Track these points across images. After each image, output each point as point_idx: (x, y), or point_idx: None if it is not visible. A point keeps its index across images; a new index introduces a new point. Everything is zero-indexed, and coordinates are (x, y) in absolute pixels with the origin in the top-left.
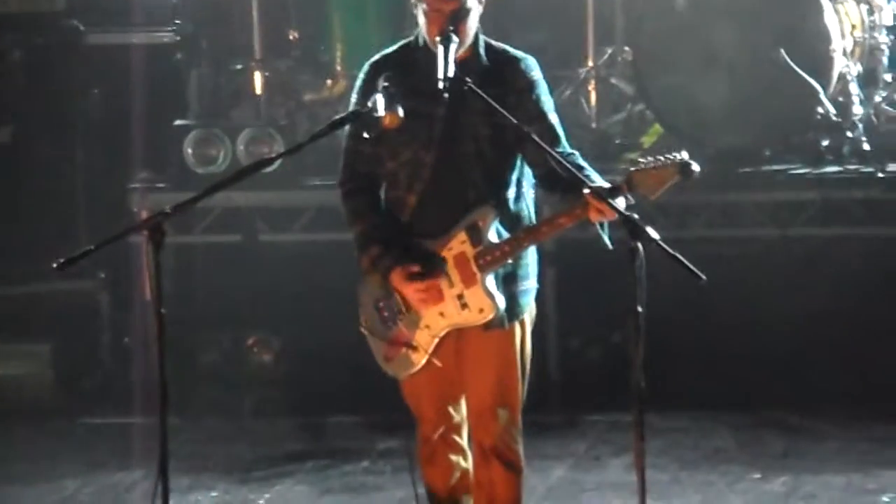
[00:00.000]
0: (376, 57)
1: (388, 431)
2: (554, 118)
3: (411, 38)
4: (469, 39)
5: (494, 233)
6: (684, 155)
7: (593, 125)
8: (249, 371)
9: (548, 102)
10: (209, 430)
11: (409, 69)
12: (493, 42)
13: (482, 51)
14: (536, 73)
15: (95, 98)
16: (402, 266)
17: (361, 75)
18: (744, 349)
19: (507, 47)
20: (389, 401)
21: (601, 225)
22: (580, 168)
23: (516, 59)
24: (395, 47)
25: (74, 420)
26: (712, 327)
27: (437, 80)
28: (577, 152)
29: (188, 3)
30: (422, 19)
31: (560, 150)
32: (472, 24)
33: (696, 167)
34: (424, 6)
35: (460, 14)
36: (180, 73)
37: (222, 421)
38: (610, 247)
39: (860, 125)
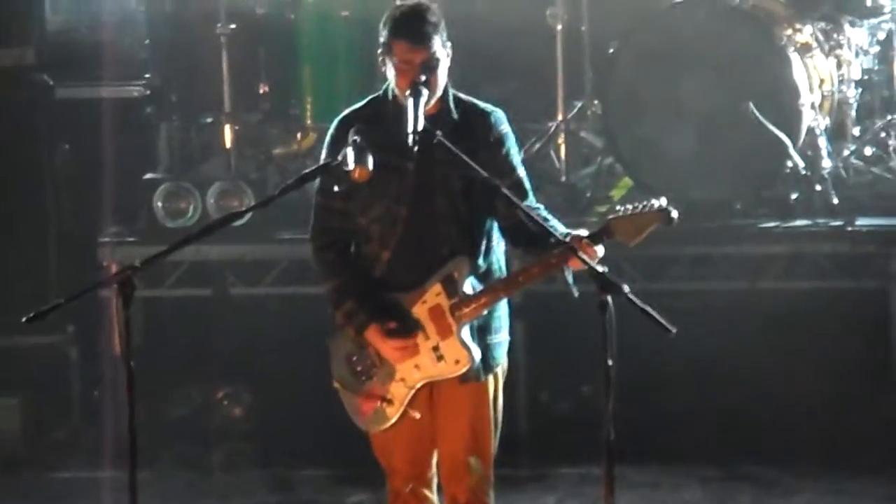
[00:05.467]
0: (346, 112)
1: (359, 485)
2: (522, 172)
3: (379, 92)
4: (439, 91)
5: (469, 284)
6: (663, 201)
7: (563, 178)
8: (220, 424)
9: (516, 156)
10: (179, 483)
11: (379, 123)
12: (462, 95)
13: (451, 104)
14: (505, 127)
15: (65, 152)
16: (380, 322)
17: (331, 131)
18: (714, 402)
19: (475, 100)
20: (360, 454)
21: (569, 272)
22: (546, 221)
23: (486, 113)
24: (363, 102)
25: (44, 474)
26: (682, 380)
27: (406, 133)
28: (542, 206)
29: (158, 57)
30: (391, 73)
31: (527, 203)
32: (442, 75)
33: (675, 213)
34: (394, 59)
35: (430, 65)
36: (150, 126)
37: (192, 474)
38: (576, 295)
39: (829, 179)
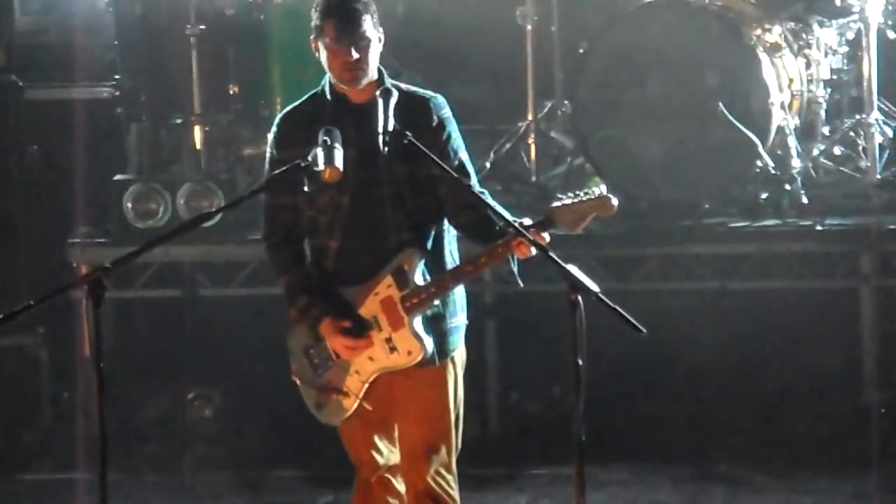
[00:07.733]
0: (287, 109)
1: (329, 486)
2: (464, 155)
3: (317, 89)
4: (373, 75)
5: (420, 275)
6: (603, 188)
7: (533, 178)
8: (190, 426)
9: (458, 140)
10: (150, 485)
11: (319, 118)
12: (401, 84)
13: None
14: (446, 111)
15: (35, 153)
16: (332, 318)
17: (274, 129)
18: (684, 402)
19: (415, 88)
20: (329, 455)
21: (514, 262)
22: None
23: (425, 99)
24: (303, 99)
25: (14, 476)
26: (653, 380)
27: (375, 132)
28: (486, 190)
29: (127, 58)
30: (324, 56)
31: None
32: (374, 56)
33: (615, 200)
34: (325, 40)
35: (361, 44)
36: (120, 127)
37: (163, 476)
38: (521, 284)
39: (798, 178)
